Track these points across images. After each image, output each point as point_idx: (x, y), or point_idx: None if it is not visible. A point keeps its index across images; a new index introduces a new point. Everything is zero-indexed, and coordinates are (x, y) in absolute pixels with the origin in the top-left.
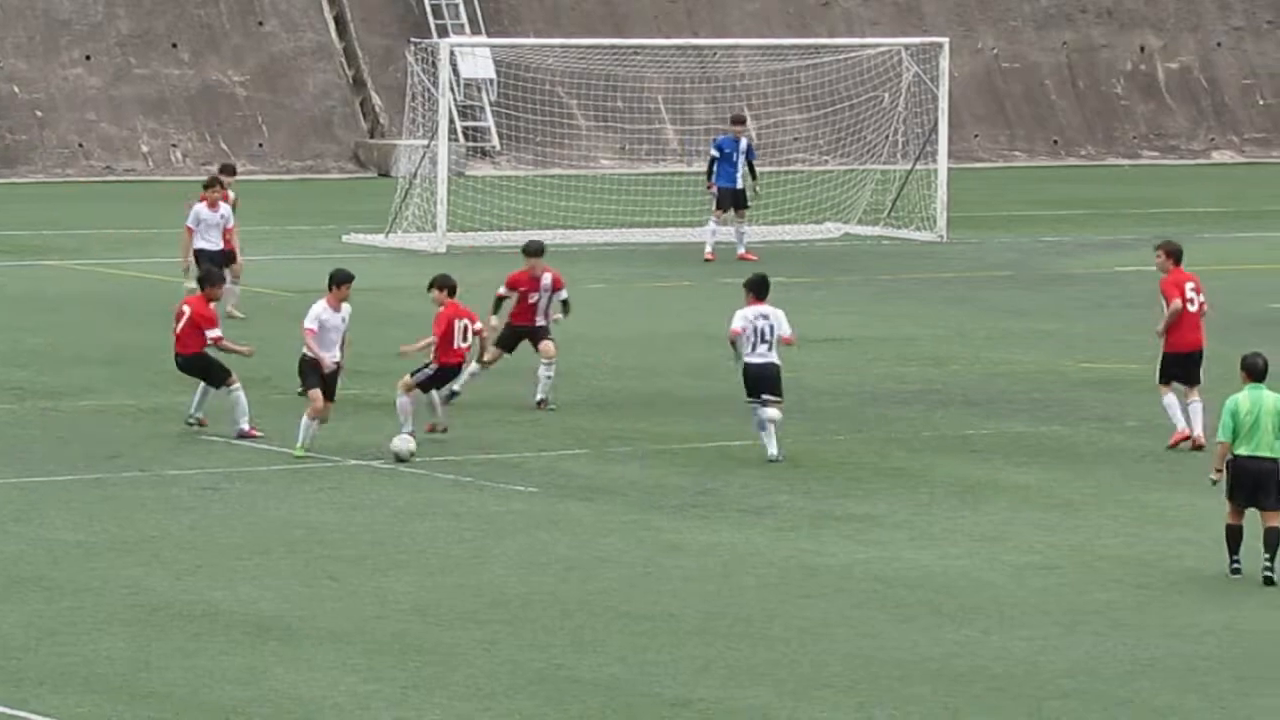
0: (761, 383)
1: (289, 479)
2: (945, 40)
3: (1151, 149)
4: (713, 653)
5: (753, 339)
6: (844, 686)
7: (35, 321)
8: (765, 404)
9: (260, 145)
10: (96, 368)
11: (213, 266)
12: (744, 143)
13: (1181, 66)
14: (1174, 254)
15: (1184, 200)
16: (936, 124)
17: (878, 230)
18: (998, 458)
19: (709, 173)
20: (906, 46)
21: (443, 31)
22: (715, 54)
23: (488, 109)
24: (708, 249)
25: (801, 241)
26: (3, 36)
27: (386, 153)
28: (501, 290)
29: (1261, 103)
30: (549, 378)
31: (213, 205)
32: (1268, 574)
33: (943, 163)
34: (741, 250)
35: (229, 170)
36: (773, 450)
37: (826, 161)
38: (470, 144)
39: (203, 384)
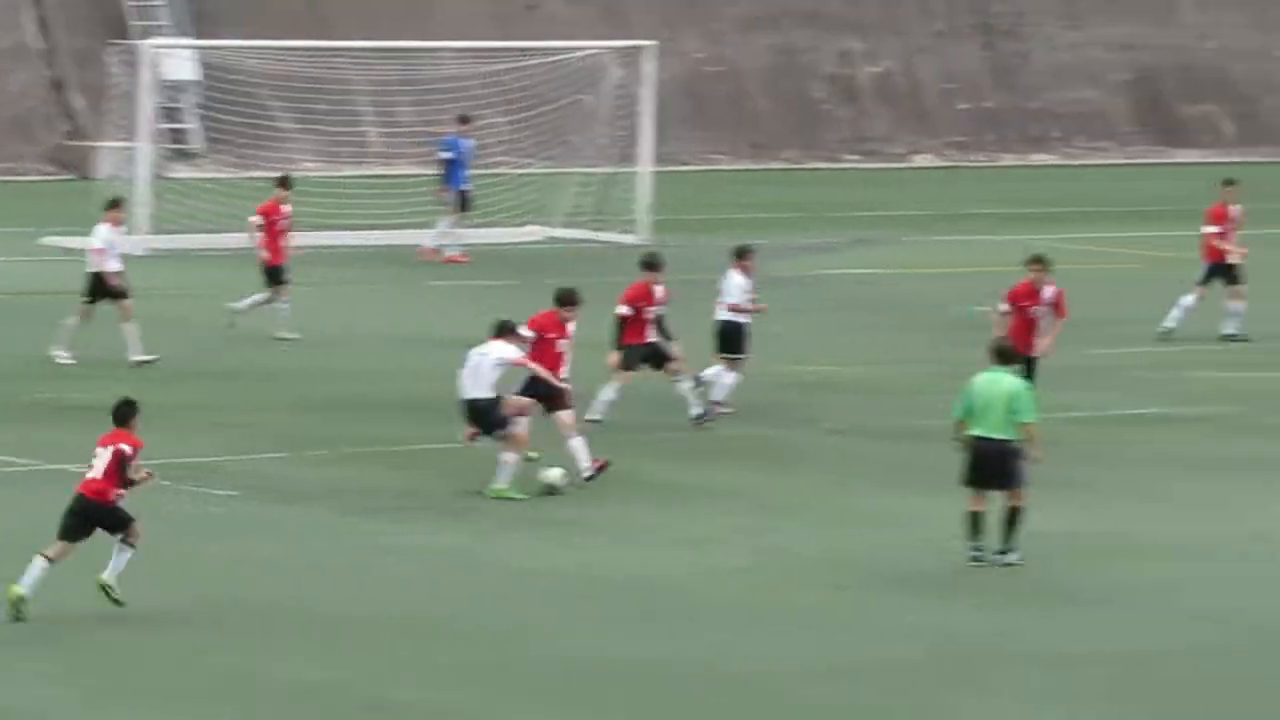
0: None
1: None
2: (650, 43)
3: (853, 153)
4: (413, 655)
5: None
6: (546, 688)
7: None
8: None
9: None
10: None
11: None
12: (472, 143)
13: (883, 71)
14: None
15: (885, 204)
16: (640, 127)
17: (581, 233)
18: (702, 460)
19: (444, 175)
20: (611, 49)
21: (145, 33)
22: (420, 56)
23: (191, 111)
24: (451, 250)
25: (504, 244)
26: None
27: (87, 155)
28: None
29: (961, 107)
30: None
31: None
32: (1002, 552)
33: (645, 166)
34: (454, 253)
35: None
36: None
37: (530, 164)
38: (172, 146)
39: None
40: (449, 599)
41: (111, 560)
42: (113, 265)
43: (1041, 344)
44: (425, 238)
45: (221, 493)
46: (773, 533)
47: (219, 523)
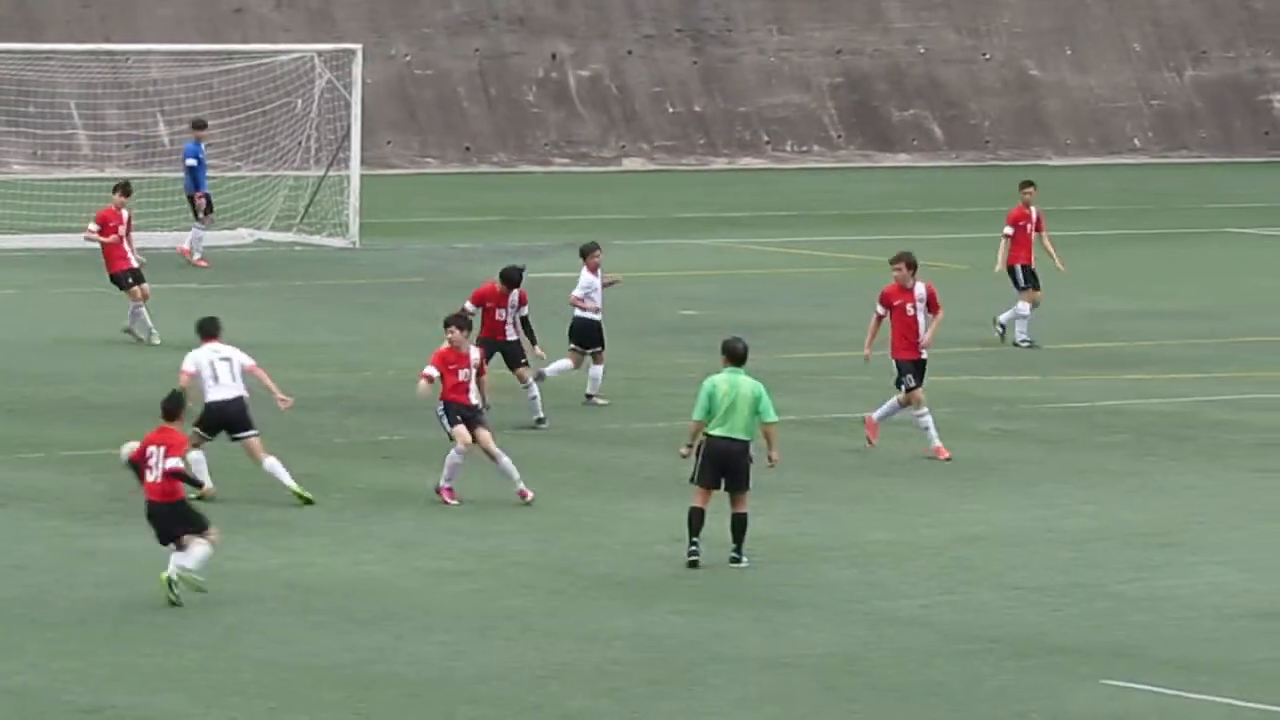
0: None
1: None
2: (358, 47)
3: (563, 156)
4: (126, 659)
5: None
6: (256, 692)
7: None
8: (235, 439)
9: None
10: None
11: None
12: (199, 147)
13: (592, 74)
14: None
15: (596, 207)
16: (349, 130)
17: (290, 236)
18: (411, 464)
19: (194, 180)
20: (320, 53)
21: None
22: (128, 59)
23: None
24: (197, 255)
25: (214, 248)
26: None
27: None
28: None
29: (671, 110)
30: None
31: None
32: (735, 558)
33: (355, 169)
34: (199, 257)
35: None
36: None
37: (239, 167)
38: None
39: None
40: (156, 602)
41: (183, 554)
42: None
43: (924, 339)
44: (183, 240)
45: None
46: (481, 536)
47: None
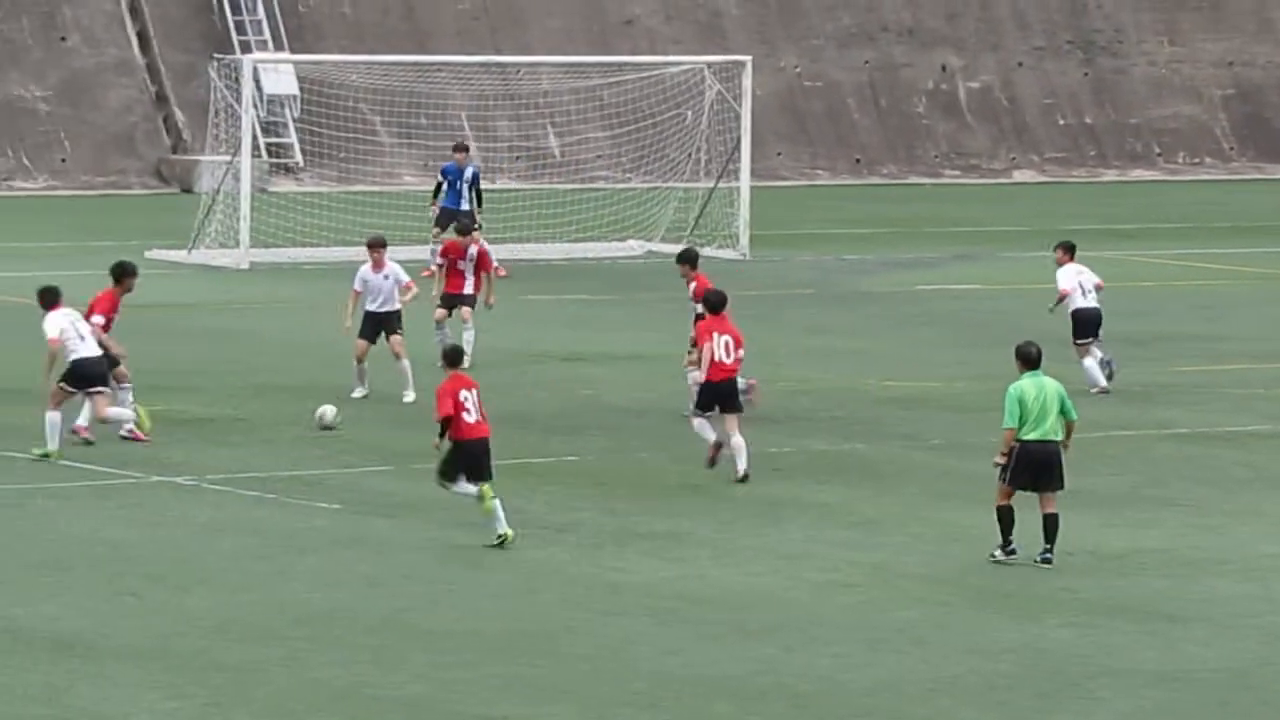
0: None
1: (91, 495)
2: (747, 59)
3: (953, 168)
4: (515, 670)
5: None
6: (646, 704)
7: None
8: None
9: (62, 160)
10: None
11: None
12: (469, 170)
13: (982, 86)
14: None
15: (985, 219)
16: (739, 142)
17: (679, 247)
18: (800, 475)
19: (435, 194)
20: (709, 65)
21: (246, 48)
22: (518, 71)
23: (291, 125)
24: (432, 264)
25: (604, 259)
26: None
27: (189, 169)
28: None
29: (1061, 122)
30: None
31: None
32: (1047, 558)
33: (745, 180)
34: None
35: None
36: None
37: (630, 179)
38: (273, 160)
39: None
40: (548, 614)
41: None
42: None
43: None
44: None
45: (325, 505)
46: (870, 549)
47: (320, 535)
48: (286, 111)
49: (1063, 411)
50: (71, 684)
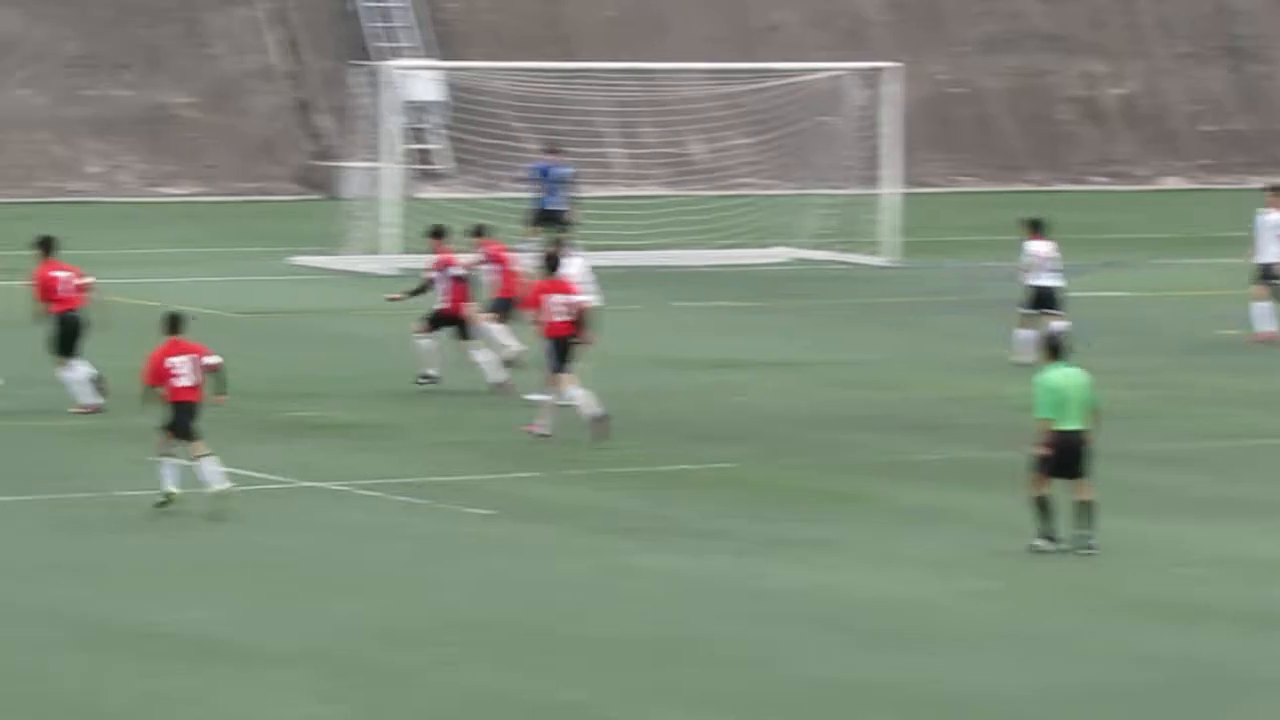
0: None
1: (241, 500)
2: (892, 65)
3: (1100, 175)
4: (668, 677)
5: None
6: (800, 712)
7: None
8: None
9: (209, 166)
10: (48, 388)
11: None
12: (561, 170)
13: (1128, 93)
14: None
15: (1133, 226)
16: (884, 149)
17: (825, 254)
18: (949, 483)
19: (534, 198)
20: (853, 71)
21: (390, 54)
22: (662, 77)
23: (436, 131)
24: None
25: (749, 265)
26: None
27: (333, 175)
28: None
29: (1208, 129)
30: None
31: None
32: (1090, 545)
33: (891, 187)
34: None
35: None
36: None
37: (774, 185)
38: (418, 166)
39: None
40: (697, 620)
41: None
42: None
43: None
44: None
45: (477, 511)
46: (1020, 555)
47: (473, 541)
48: (431, 117)
49: (1089, 402)
50: (222, 689)
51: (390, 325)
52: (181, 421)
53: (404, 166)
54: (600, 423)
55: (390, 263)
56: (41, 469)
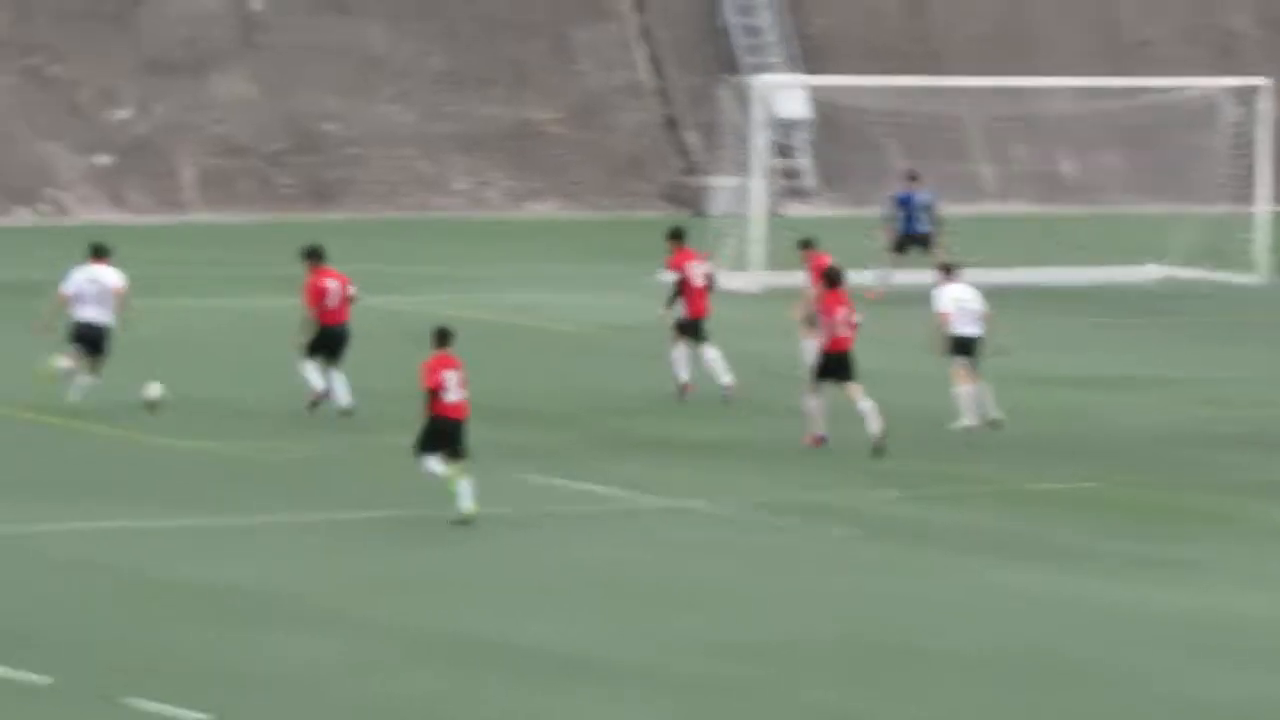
0: None
1: (596, 517)
2: (1266, 81)
3: None
4: (1037, 698)
5: None
6: None
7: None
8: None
9: (574, 183)
10: (408, 404)
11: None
12: (923, 196)
13: None
14: None
15: None
16: (1257, 166)
17: (1197, 273)
18: None
19: (888, 217)
20: (1226, 88)
21: (757, 70)
22: (1032, 94)
23: (803, 148)
24: (876, 287)
25: (1121, 283)
26: (318, 74)
27: (700, 192)
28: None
29: None
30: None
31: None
32: None
33: (1264, 205)
34: (876, 288)
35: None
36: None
37: (1146, 202)
38: (785, 183)
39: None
40: (1064, 640)
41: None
42: None
43: None
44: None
45: (840, 530)
46: None
47: (835, 560)
48: (799, 134)
49: None
50: (580, 704)
51: (756, 343)
52: (448, 436)
53: (771, 184)
54: (880, 440)
55: (757, 280)
56: (402, 485)
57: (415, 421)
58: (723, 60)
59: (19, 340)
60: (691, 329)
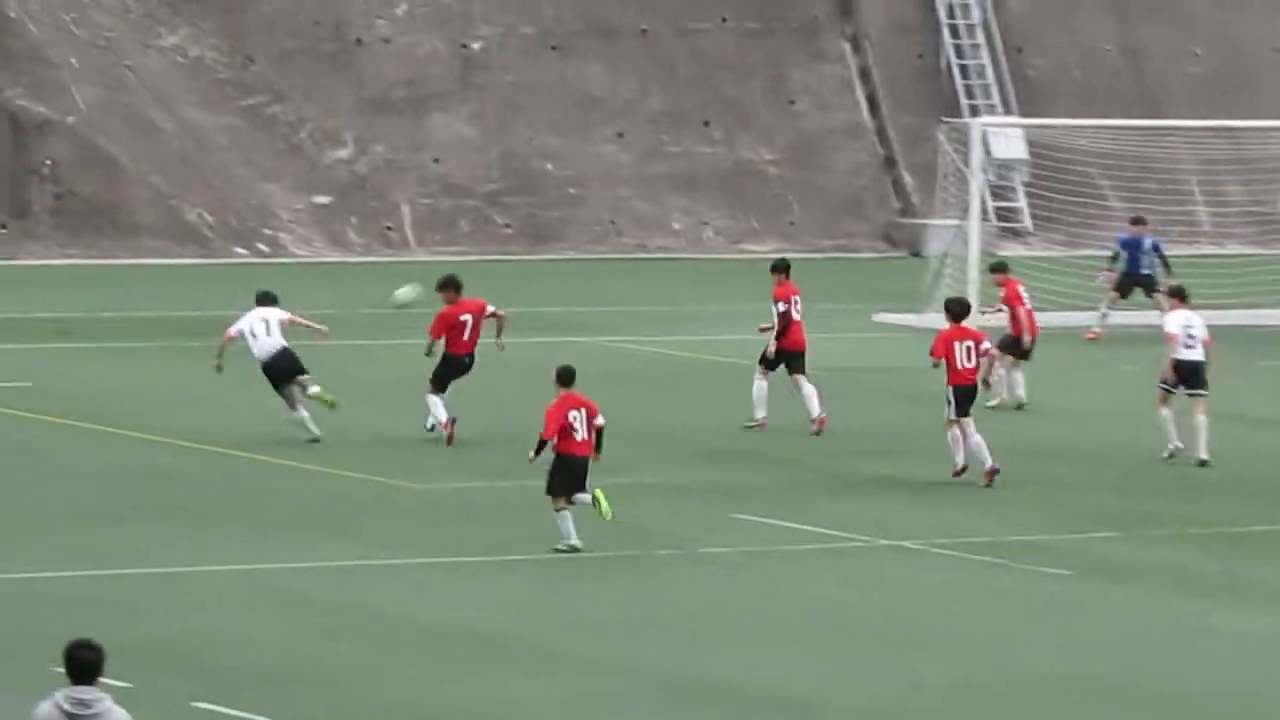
0: None
1: (815, 557)
2: None
3: None
4: None
5: None
6: None
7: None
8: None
9: (791, 223)
10: (624, 444)
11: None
12: (1148, 241)
13: None
14: None
15: None
16: None
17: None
18: None
19: (1112, 260)
20: None
21: (974, 111)
22: (1249, 135)
23: (1019, 189)
24: (1095, 327)
25: None
26: (536, 114)
27: (917, 232)
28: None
29: None
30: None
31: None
32: None
33: None
34: (1095, 328)
35: None
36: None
37: None
38: (1001, 224)
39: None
40: (1274, 683)
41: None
42: None
43: None
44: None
45: (1054, 571)
46: None
47: (1051, 602)
48: (1015, 175)
49: None
50: None
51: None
52: (574, 476)
53: (987, 224)
54: (992, 474)
55: (973, 320)
56: (619, 525)
57: (633, 461)
58: (940, 101)
59: (241, 377)
60: (792, 361)
